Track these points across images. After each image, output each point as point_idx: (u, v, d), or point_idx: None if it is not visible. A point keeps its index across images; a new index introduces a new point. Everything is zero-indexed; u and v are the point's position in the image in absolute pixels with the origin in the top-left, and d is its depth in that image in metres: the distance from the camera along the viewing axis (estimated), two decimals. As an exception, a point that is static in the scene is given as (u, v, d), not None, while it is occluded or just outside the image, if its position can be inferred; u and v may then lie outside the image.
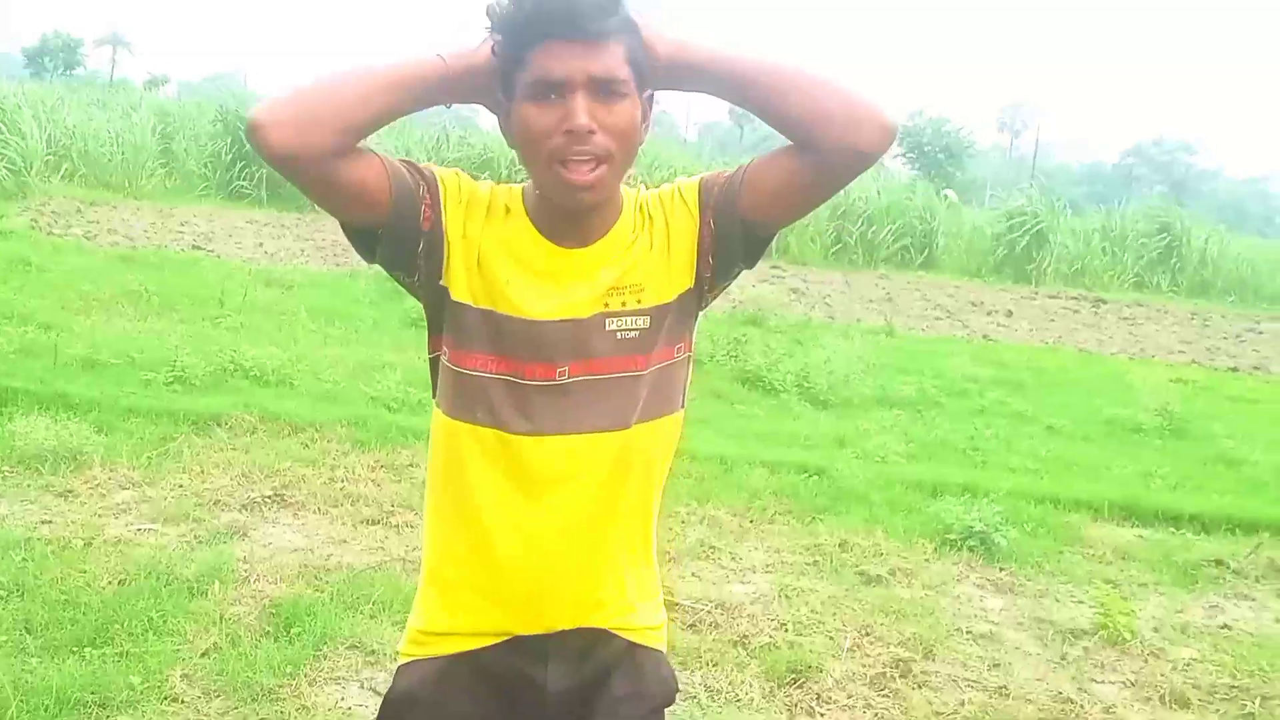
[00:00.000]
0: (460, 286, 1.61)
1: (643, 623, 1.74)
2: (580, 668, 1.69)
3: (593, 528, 1.64)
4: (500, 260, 1.61)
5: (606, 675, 1.70)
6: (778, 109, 1.56)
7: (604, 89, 1.49)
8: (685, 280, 1.66)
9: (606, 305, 1.61)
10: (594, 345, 1.60)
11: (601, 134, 1.49)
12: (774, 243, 1.71)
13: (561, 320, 1.59)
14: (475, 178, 1.69)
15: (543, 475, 1.61)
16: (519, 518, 1.62)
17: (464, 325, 1.60)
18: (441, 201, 1.60)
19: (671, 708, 1.79)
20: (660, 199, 1.67)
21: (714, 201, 1.63)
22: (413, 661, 1.72)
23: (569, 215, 1.60)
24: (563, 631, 1.67)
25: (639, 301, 1.62)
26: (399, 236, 1.58)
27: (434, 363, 1.69)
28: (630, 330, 1.61)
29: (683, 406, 1.71)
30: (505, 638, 1.68)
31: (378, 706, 1.78)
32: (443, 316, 1.64)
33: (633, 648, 1.73)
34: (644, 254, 1.64)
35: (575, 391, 1.60)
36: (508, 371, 1.60)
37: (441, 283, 1.61)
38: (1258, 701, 3.93)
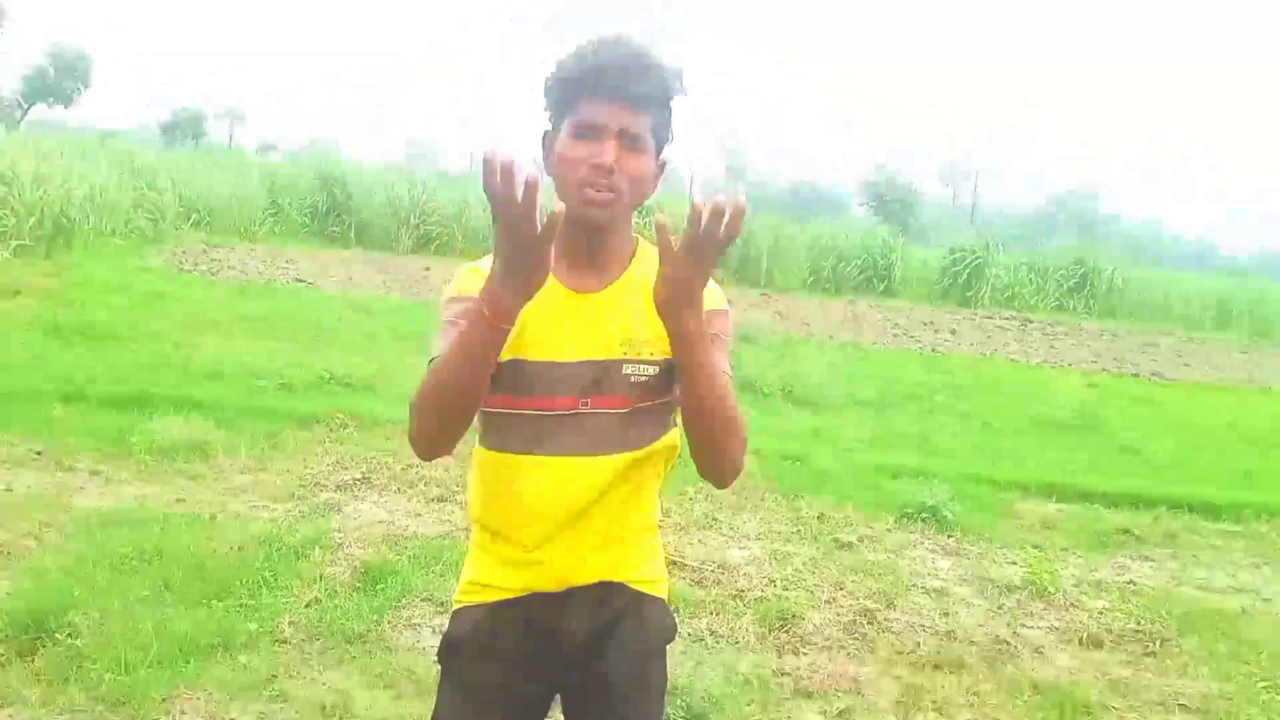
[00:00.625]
0: None
1: (648, 576, 1.73)
2: (597, 614, 1.67)
3: (606, 516, 1.63)
4: (525, 312, 1.53)
5: (618, 619, 1.68)
6: (707, 427, 1.53)
7: (629, 141, 1.53)
8: None
9: (625, 353, 1.59)
10: (613, 384, 1.59)
11: (620, 174, 1.53)
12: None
13: (585, 361, 1.58)
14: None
15: (568, 483, 1.60)
16: (545, 510, 1.61)
17: (496, 377, 1.55)
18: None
19: (672, 644, 1.77)
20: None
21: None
22: (464, 607, 1.70)
23: (584, 250, 1.59)
24: (584, 585, 1.66)
25: (652, 353, 1.60)
26: None
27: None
28: (643, 375, 1.60)
29: (676, 425, 1.68)
30: (537, 592, 1.66)
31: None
32: None
33: (640, 596, 1.70)
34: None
35: (596, 420, 1.58)
36: (538, 408, 1.58)
37: None
38: (1158, 643, 3.90)
